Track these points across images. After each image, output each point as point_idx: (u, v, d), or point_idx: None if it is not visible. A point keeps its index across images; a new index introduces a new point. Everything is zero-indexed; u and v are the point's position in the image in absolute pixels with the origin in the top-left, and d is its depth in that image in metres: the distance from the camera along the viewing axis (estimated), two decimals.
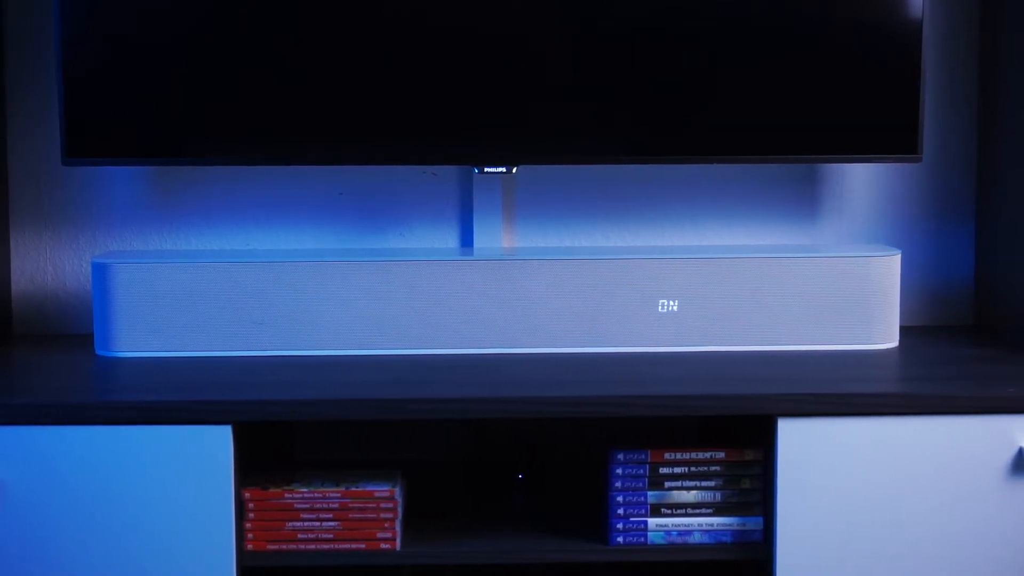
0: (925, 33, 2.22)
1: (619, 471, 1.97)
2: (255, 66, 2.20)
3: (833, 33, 2.22)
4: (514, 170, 2.27)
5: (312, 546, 1.94)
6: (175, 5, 2.19)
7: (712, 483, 1.97)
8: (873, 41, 2.22)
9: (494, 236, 2.39)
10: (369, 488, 1.95)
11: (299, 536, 1.94)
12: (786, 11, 2.21)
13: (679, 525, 1.97)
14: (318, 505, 1.94)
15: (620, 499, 1.97)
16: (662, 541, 1.97)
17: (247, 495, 1.94)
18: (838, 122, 2.24)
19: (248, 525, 1.94)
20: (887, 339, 2.23)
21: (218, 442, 1.88)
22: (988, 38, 2.37)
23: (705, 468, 1.97)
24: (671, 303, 2.20)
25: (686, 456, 1.97)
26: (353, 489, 1.95)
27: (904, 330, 2.30)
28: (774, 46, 2.22)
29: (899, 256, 2.23)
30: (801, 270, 2.20)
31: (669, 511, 1.97)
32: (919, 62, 2.22)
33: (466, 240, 2.43)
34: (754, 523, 1.97)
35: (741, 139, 2.24)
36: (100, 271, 2.18)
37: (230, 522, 1.90)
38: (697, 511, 1.97)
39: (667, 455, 1.97)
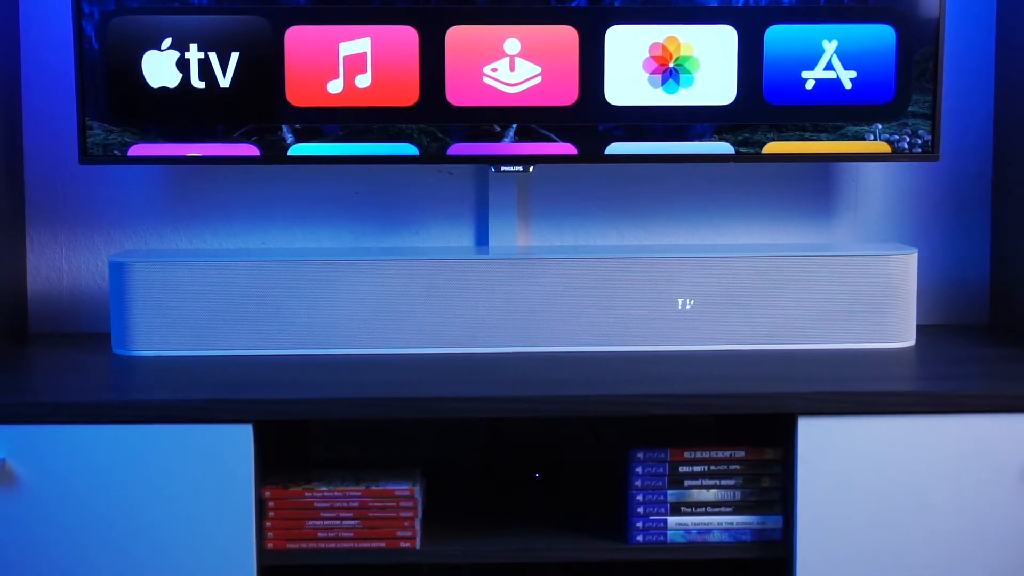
0: (942, 31, 2.22)
1: (639, 470, 1.97)
2: (269, 67, 2.20)
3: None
4: (530, 169, 2.27)
5: (332, 545, 1.94)
6: (191, 10, 2.19)
7: (732, 482, 1.98)
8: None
9: (510, 235, 2.39)
10: (389, 487, 1.95)
11: (319, 535, 1.94)
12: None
13: (699, 524, 1.97)
14: (338, 504, 1.94)
15: (640, 498, 1.97)
16: (682, 540, 1.97)
17: (267, 494, 1.94)
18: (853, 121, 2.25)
19: (268, 524, 1.94)
20: (904, 338, 2.23)
21: (238, 441, 1.88)
22: (1005, 36, 2.38)
23: (725, 467, 1.97)
24: (688, 302, 2.20)
25: (706, 455, 1.97)
26: (373, 488, 1.95)
27: (920, 329, 2.30)
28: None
29: (916, 255, 2.23)
30: (818, 269, 2.20)
31: (689, 510, 1.97)
32: (937, 60, 2.22)
33: (482, 239, 2.43)
34: (774, 522, 1.97)
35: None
36: (117, 270, 2.18)
37: (250, 521, 1.90)
38: (717, 510, 1.97)
39: (687, 454, 1.97)
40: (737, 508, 1.98)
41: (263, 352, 2.18)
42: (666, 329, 2.21)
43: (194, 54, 2.20)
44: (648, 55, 2.23)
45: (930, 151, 2.26)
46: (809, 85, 2.24)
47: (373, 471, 2.01)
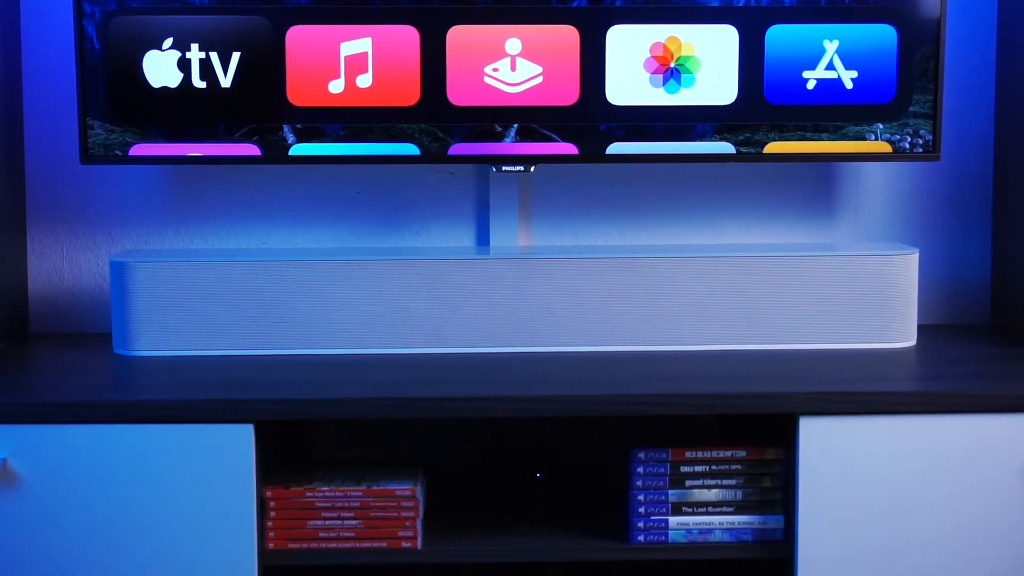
0: (943, 31, 2.22)
1: (640, 470, 1.97)
2: (271, 67, 2.20)
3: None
4: (531, 169, 2.27)
5: (333, 545, 1.94)
6: (192, 10, 2.19)
7: (733, 482, 1.98)
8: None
9: (511, 235, 2.39)
10: (391, 487, 1.95)
11: (320, 535, 1.94)
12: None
13: (700, 524, 1.97)
14: (339, 504, 1.94)
15: (641, 498, 1.97)
16: (683, 540, 1.97)
17: (268, 494, 1.94)
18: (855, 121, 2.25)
19: (269, 524, 1.94)
20: (905, 338, 2.23)
21: (240, 441, 1.88)
22: (1006, 35, 2.38)
23: (726, 467, 1.97)
24: (688, 302, 2.20)
25: (707, 455, 1.97)
26: (375, 488, 1.95)
27: (921, 329, 2.30)
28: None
29: (917, 255, 2.23)
30: (819, 269, 2.20)
31: (690, 510, 1.97)
32: (938, 60, 2.22)
33: (482, 239, 2.43)
34: (775, 521, 1.97)
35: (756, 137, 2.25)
36: (118, 270, 2.18)
37: (252, 521, 1.90)
38: (718, 510, 1.98)
39: (688, 454, 1.97)
40: (738, 508, 1.98)
41: (264, 352, 2.18)
42: (666, 329, 2.21)
43: (195, 54, 2.20)
44: (649, 55, 2.24)
45: (931, 151, 2.26)
46: (810, 85, 2.24)
47: (374, 471, 2.01)
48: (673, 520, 1.97)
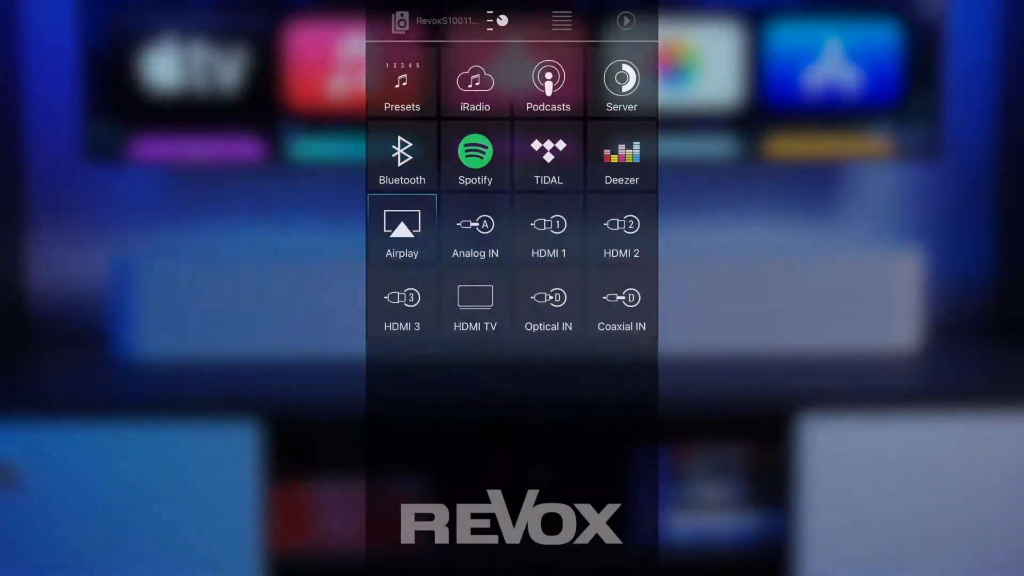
0: (947, 29, 2.22)
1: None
2: (273, 65, 2.20)
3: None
4: None
5: (337, 544, 1.94)
6: (194, 8, 2.19)
7: (734, 480, 1.98)
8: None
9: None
10: (393, 487, 1.95)
11: (324, 535, 1.94)
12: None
13: (702, 523, 1.97)
14: (343, 503, 1.94)
15: (642, 497, 1.97)
16: (684, 539, 1.97)
17: (272, 493, 1.93)
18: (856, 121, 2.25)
19: (273, 523, 1.94)
20: (908, 338, 2.23)
21: (244, 440, 1.88)
22: (1010, 34, 2.38)
23: (728, 465, 1.98)
24: (689, 302, 2.20)
25: (709, 454, 1.98)
26: (378, 487, 1.95)
27: (923, 328, 2.30)
28: None
29: (919, 254, 2.23)
30: (822, 269, 2.20)
31: (692, 508, 1.98)
32: (941, 59, 2.23)
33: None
34: (776, 520, 1.97)
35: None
36: (119, 269, 2.18)
37: (255, 520, 1.90)
38: (720, 508, 1.98)
39: (690, 453, 1.98)
40: (740, 506, 1.98)
41: (267, 352, 2.18)
42: (666, 329, 2.21)
43: (197, 52, 2.20)
44: None
45: (934, 150, 2.26)
46: (812, 84, 2.24)
47: (376, 471, 2.01)
48: (674, 519, 1.97)
